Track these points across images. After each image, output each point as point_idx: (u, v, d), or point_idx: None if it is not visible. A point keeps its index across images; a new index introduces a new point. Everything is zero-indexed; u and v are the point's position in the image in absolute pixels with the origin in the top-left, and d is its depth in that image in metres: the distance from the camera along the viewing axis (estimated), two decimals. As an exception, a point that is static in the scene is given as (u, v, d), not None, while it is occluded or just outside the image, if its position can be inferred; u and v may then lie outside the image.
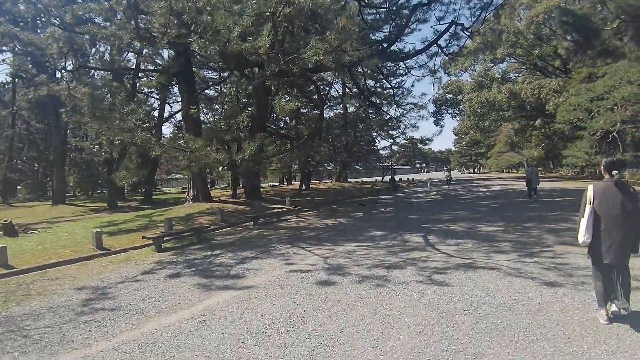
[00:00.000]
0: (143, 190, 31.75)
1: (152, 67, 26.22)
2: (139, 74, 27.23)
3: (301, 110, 30.18)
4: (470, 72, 46.56)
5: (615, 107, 24.49)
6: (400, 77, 32.15)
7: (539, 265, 6.48)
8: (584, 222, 4.20)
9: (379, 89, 32.44)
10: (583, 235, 4.20)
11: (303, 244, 9.85)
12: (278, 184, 49.74)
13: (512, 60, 45.95)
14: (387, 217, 14.92)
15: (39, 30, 21.77)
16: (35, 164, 43.59)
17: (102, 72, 21.85)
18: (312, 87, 27.04)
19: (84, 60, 21.01)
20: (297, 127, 26.74)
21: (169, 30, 10.79)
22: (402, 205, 19.98)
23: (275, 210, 16.83)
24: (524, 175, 20.28)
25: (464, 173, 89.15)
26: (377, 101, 30.39)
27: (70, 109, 15.13)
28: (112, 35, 12.42)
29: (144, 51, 24.05)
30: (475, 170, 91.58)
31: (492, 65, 46.82)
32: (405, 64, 26.57)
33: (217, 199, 21.61)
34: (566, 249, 7.49)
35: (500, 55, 40.30)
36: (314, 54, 8.42)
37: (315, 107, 29.41)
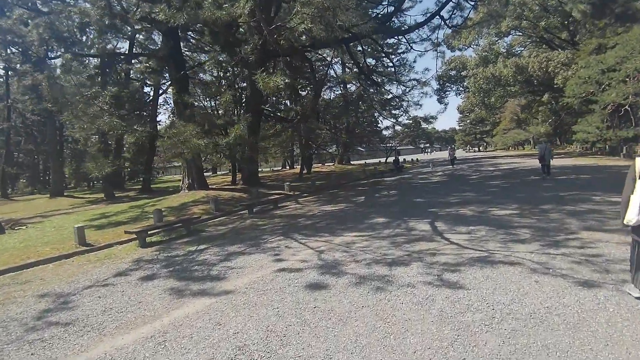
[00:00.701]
0: (141, 179, 31.04)
1: (143, 53, 25.16)
2: (132, 60, 26.19)
3: (300, 92, 29.13)
4: (474, 46, 45.27)
5: (628, 79, 23.39)
6: (402, 55, 30.77)
7: (568, 257, 5.48)
8: (637, 199, 3.54)
9: (379, 69, 31.22)
10: (637, 214, 3.53)
11: (297, 235, 8.97)
12: (280, 168, 48.93)
13: (518, 34, 44.49)
14: (390, 202, 13.97)
15: (29, 22, 20.90)
16: (35, 157, 43.15)
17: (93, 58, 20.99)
18: (309, 70, 25.97)
19: (75, 49, 20.05)
20: (295, 108, 25.64)
21: (141, 3, 9.79)
22: (406, 187, 19.04)
23: (273, 197, 15.99)
24: (532, 152, 19.56)
25: (469, 152, 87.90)
26: (379, 79, 29.20)
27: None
28: (81, 12, 11.38)
29: (137, 36, 23.04)
30: (481, 148, 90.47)
31: (496, 39, 45.47)
32: (406, 38, 25.33)
33: (214, 187, 20.90)
34: (594, 236, 6.53)
35: (505, 28, 39.02)
36: (300, 20, 7.38)
37: (313, 87, 28.36)
